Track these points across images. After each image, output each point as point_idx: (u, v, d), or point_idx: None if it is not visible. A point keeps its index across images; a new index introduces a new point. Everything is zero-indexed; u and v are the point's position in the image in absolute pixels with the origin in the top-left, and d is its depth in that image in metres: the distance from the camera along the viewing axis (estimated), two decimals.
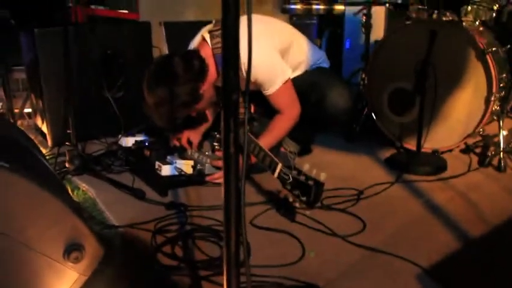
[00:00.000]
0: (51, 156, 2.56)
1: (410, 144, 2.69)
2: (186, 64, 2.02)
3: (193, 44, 2.27)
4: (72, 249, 1.28)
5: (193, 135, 2.43)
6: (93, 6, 2.63)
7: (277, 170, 1.83)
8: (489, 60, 2.41)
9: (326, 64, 2.50)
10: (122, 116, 2.68)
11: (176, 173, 2.20)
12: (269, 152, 1.97)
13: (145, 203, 2.06)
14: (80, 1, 2.57)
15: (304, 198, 1.70)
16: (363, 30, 3.22)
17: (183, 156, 2.32)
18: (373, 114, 2.82)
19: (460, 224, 1.89)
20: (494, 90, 2.42)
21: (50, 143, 2.79)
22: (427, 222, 1.93)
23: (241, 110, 2.20)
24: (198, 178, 2.20)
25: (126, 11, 2.79)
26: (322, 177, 1.68)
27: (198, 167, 2.25)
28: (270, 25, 2.32)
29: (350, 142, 2.98)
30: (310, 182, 1.68)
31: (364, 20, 3.22)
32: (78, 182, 2.25)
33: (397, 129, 2.77)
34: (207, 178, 2.19)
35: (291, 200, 1.78)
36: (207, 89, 2.09)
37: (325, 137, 2.85)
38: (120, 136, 2.58)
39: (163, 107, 2.00)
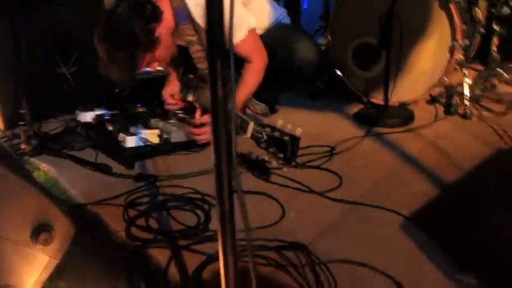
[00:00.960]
0: (5, 140, 2.40)
1: (377, 98, 2.67)
2: (135, 6, 1.91)
3: None
4: (41, 231, 1.18)
5: (171, 89, 2.33)
6: None
7: (250, 129, 1.76)
8: (452, 9, 2.39)
9: (287, 20, 2.42)
10: (78, 91, 2.52)
11: (142, 144, 2.09)
12: (239, 112, 1.90)
13: (112, 178, 1.95)
14: None
15: (281, 155, 1.64)
16: None
17: (148, 126, 2.21)
18: (338, 70, 2.78)
19: (434, 171, 1.89)
20: (458, 38, 2.41)
21: (1, 125, 2.61)
22: (402, 172, 1.92)
23: (203, 65, 2.12)
24: (164, 147, 2.11)
25: None
26: (298, 131, 1.62)
27: (164, 135, 2.15)
28: None
29: (314, 100, 2.94)
30: (286, 138, 1.62)
31: None
32: (37, 162, 2.11)
33: (363, 84, 2.75)
34: (192, 130, 2.10)
35: (266, 158, 1.72)
36: (164, 33, 1.98)
37: (289, 96, 2.79)
38: (77, 111, 2.43)
39: (119, 53, 1.87)
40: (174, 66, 2.35)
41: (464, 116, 2.45)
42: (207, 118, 2.10)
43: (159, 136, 2.14)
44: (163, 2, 2.03)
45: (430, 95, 2.69)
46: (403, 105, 2.59)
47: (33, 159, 2.15)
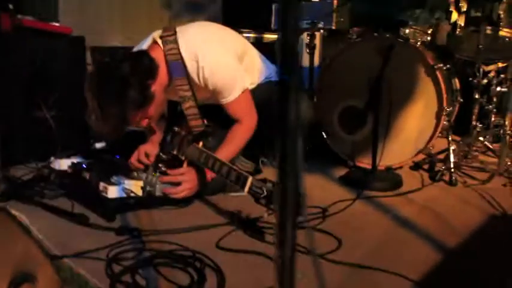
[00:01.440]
0: None
1: (363, 163, 2.64)
2: (134, 60, 1.84)
3: (142, 47, 2.07)
4: (22, 281, 1.01)
5: (150, 148, 2.19)
6: (19, 16, 2.32)
7: (248, 184, 1.66)
8: (439, 75, 2.44)
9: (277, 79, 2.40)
10: (53, 137, 2.37)
11: (124, 195, 1.94)
12: (233, 166, 1.80)
13: (90, 230, 1.78)
14: (5, 8, 2.26)
15: None
16: (307, 51, 3.20)
17: (131, 177, 2.06)
18: (323, 133, 2.75)
19: (432, 235, 1.83)
20: (444, 104, 2.45)
21: None
22: (401, 235, 1.85)
23: (196, 123, 2.04)
24: (148, 200, 1.96)
25: (57, 24, 2.52)
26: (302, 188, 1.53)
27: (148, 188, 2.01)
28: (225, 31, 2.20)
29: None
30: None
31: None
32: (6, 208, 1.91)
33: (349, 148, 2.72)
34: (166, 190, 1.97)
35: (265, 215, 1.61)
36: (158, 90, 1.89)
37: (272, 158, 2.73)
38: (52, 158, 2.26)
39: (110, 108, 1.76)
40: (159, 124, 2.25)
41: (450, 183, 2.44)
42: (180, 173, 2.01)
43: (142, 188, 2.00)
44: (158, 54, 1.97)
45: (413, 161, 2.69)
46: (390, 170, 2.57)
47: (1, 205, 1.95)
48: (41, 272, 1.04)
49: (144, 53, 1.92)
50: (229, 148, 2.05)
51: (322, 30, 3.84)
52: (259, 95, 2.15)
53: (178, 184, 1.99)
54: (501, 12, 2.44)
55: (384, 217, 2.03)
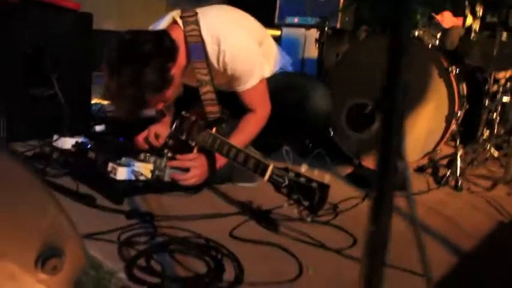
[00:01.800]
0: None
1: (368, 162, 2.62)
2: (156, 40, 1.76)
3: (160, 26, 1.99)
4: (50, 255, 0.94)
5: (161, 129, 2.12)
6: None
7: (269, 172, 1.60)
8: (452, 79, 2.43)
9: (291, 69, 2.35)
10: (56, 115, 2.28)
11: (133, 178, 1.87)
12: (250, 153, 1.74)
13: (97, 211, 1.70)
14: None
15: (306, 203, 1.49)
16: (317, 46, 3.18)
17: (140, 159, 1.99)
18: (330, 130, 2.71)
19: (445, 237, 1.81)
20: (456, 108, 2.43)
21: None
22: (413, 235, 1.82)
23: (213, 109, 1.98)
24: (157, 185, 1.90)
25: None
26: (326, 179, 1.49)
27: (156, 172, 1.94)
28: (246, 16, 2.13)
29: (303, 158, 2.84)
30: (314, 185, 1.48)
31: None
32: None
33: (355, 146, 2.69)
34: (174, 176, 1.91)
35: (285, 205, 1.56)
36: (177, 73, 1.83)
37: (276, 154, 2.67)
38: (55, 136, 2.17)
39: (128, 90, 1.68)
40: (169, 108, 2.19)
41: (455, 188, 2.43)
42: (189, 159, 1.95)
43: (151, 172, 1.93)
44: (178, 35, 1.90)
45: (417, 165, 2.68)
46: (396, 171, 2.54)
47: None
48: (69, 246, 0.96)
49: (166, 34, 1.85)
50: (241, 137, 1.98)
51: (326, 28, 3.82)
52: (275, 84, 2.09)
53: (186, 170, 1.93)
54: None
55: (395, 217, 1.99)
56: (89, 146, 2.08)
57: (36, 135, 2.32)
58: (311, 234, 1.69)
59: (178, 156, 1.97)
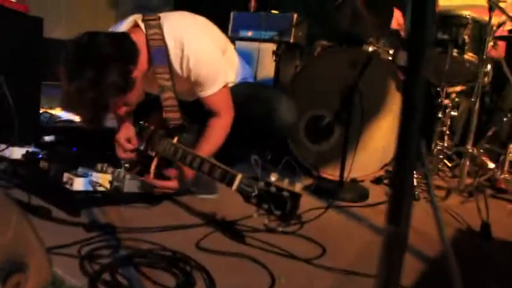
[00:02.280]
0: None
1: (327, 173, 2.63)
2: (116, 42, 1.69)
3: (120, 28, 1.91)
4: (13, 271, 0.85)
5: (126, 133, 2.03)
6: None
7: (237, 182, 1.56)
8: None
9: (252, 81, 2.33)
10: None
11: (91, 188, 1.77)
12: (216, 162, 1.69)
13: (53, 224, 1.59)
14: None
15: (278, 212, 1.45)
16: (274, 58, 3.19)
17: (97, 169, 1.88)
18: (288, 141, 2.71)
19: (411, 244, 1.83)
20: None
21: None
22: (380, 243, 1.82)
23: (174, 115, 1.92)
24: (116, 196, 1.80)
25: (13, 0, 2.28)
26: (297, 188, 1.46)
27: (115, 183, 1.85)
28: (209, 24, 2.09)
29: (263, 170, 2.80)
30: (285, 194, 1.45)
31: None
32: None
33: (313, 158, 2.70)
34: (157, 183, 1.84)
35: (254, 215, 1.51)
36: (138, 76, 1.75)
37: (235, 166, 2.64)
38: (3, 146, 2.02)
39: (89, 93, 1.59)
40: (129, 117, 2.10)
41: (413, 198, 2.48)
42: (173, 172, 1.88)
43: (110, 182, 1.83)
44: (140, 38, 1.83)
45: (374, 176, 2.72)
46: (355, 182, 2.57)
47: None
48: (34, 260, 0.88)
49: (126, 36, 1.78)
50: (209, 145, 1.93)
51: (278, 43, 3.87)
52: (239, 94, 2.05)
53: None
54: (466, 37, 2.55)
55: (360, 226, 2.02)
56: (40, 156, 1.95)
57: None
58: (278, 245, 1.66)
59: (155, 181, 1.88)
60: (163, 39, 1.84)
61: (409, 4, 0.62)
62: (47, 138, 2.50)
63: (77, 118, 3.06)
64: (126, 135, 2.02)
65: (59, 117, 3.11)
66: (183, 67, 1.86)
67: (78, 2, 5.96)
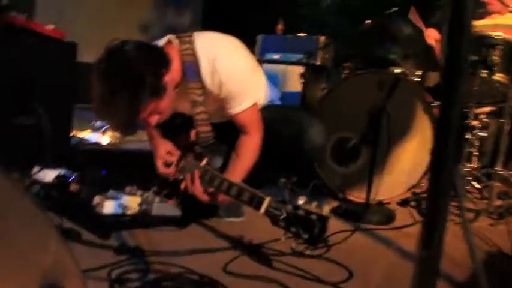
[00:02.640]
0: None
1: (353, 196, 2.61)
2: (146, 47, 1.73)
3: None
4: None
5: (166, 147, 2.03)
6: (13, 13, 2.17)
7: (265, 205, 1.56)
8: (436, 113, 2.47)
9: (279, 103, 2.35)
10: (36, 145, 2.20)
11: (120, 211, 1.80)
12: (244, 185, 1.70)
13: (83, 247, 1.62)
14: None
15: (306, 235, 1.45)
16: (301, 80, 3.23)
17: (127, 192, 1.92)
18: (315, 164, 2.71)
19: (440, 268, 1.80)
20: None
21: None
22: (409, 267, 1.79)
23: (205, 128, 1.93)
24: (145, 219, 1.83)
25: (51, 27, 2.38)
26: (325, 211, 1.46)
27: (143, 206, 1.88)
28: (241, 44, 2.11)
29: (290, 193, 2.81)
30: (313, 217, 1.45)
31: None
32: None
33: (339, 180, 2.69)
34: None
35: (282, 239, 1.52)
36: (170, 83, 1.76)
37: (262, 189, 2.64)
38: (36, 168, 2.09)
39: (122, 94, 1.61)
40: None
41: None
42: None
43: (139, 205, 1.86)
44: (174, 52, 1.85)
45: (401, 198, 2.69)
46: (381, 204, 2.54)
47: None
48: (71, 283, 0.90)
49: (157, 46, 1.82)
50: (242, 165, 1.92)
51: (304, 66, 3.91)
52: (269, 116, 2.05)
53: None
54: (496, 58, 2.52)
55: (387, 250, 1.99)
56: (71, 179, 2.00)
57: (15, 165, 2.22)
58: (305, 268, 1.65)
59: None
60: (194, 54, 1.87)
61: (445, 25, 0.63)
62: (78, 161, 2.56)
63: (105, 139, 3.15)
64: (166, 149, 2.02)
65: (88, 140, 3.20)
66: (215, 83, 1.88)
67: (110, 27, 6.14)
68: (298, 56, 3.98)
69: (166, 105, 1.76)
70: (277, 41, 4.34)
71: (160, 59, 1.75)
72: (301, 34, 4.36)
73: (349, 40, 4.69)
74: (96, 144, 2.97)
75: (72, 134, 2.98)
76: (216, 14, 6.21)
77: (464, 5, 0.60)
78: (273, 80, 4.25)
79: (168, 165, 2.00)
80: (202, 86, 1.88)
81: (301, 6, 5.55)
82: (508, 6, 2.70)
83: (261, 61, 4.45)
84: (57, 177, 2.03)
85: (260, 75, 2.16)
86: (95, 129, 3.52)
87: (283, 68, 4.13)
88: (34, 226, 0.85)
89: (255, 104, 1.96)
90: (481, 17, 3.29)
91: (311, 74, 3.81)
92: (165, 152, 2.01)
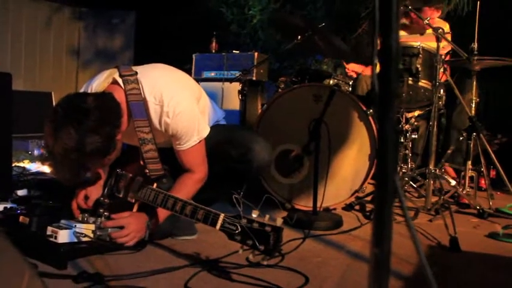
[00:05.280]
0: None
1: (300, 205, 2.72)
2: (103, 105, 1.73)
3: (97, 85, 1.97)
4: None
5: (90, 190, 2.03)
6: None
7: (220, 221, 1.62)
8: (371, 120, 2.63)
9: (224, 122, 2.42)
10: None
11: (75, 239, 1.79)
12: (198, 204, 1.75)
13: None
14: None
15: (262, 247, 1.52)
16: (240, 97, 3.30)
17: (81, 220, 1.91)
18: (261, 177, 2.79)
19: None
20: (377, 148, 2.63)
21: None
22: (360, 268, 1.91)
23: (155, 166, 1.96)
24: (101, 245, 1.83)
25: None
26: (278, 222, 1.54)
27: (98, 232, 1.87)
28: (183, 74, 2.17)
29: (234, 207, 2.87)
30: (268, 228, 1.53)
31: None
32: None
33: (286, 191, 2.79)
34: (113, 234, 1.85)
35: (240, 252, 1.58)
36: (120, 138, 1.80)
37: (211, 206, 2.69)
38: None
39: (71, 155, 1.63)
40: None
41: None
42: (124, 217, 1.91)
43: (93, 232, 1.86)
44: (120, 94, 1.88)
45: (345, 203, 2.83)
46: (328, 211, 2.66)
47: None
48: None
49: (112, 98, 1.81)
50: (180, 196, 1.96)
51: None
52: (214, 137, 2.11)
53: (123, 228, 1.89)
54: (419, 66, 2.73)
55: (339, 253, 2.09)
56: (19, 211, 1.96)
57: None
58: (263, 278, 1.71)
59: (113, 215, 1.92)
60: (141, 94, 1.90)
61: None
62: (20, 193, 2.50)
63: (48, 170, 3.07)
64: (88, 192, 2.03)
65: (29, 169, 3.11)
66: (162, 122, 1.92)
67: (40, 53, 5.98)
68: (234, 73, 4.09)
69: (113, 157, 1.81)
70: (213, 59, 4.43)
71: (116, 118, 1.77)
72: (235, 51, 4.48)
73: (281, 54, 4.87)
74: (39, 173, 2.90)
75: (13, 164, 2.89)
76: (150, 36, 6.21)
77: (391, 31, 0.70)
78: (211, 97, 4.33)
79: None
80: (150, 125, 1.92)
81: (232, 23, 5.68)
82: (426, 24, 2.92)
83: (197, 80, 4.51)
84: (4, 210, 1.98)
85: (204, 101, 2.22)
86: (34, 159, 3.43)
87: (221, 86, 4.21)
88: (8, 258, 0.86)
89: (200, 142, 2.03)
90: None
91: (249, 90, 3.92)
92: (83, 195, 2.03)
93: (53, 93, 4.52)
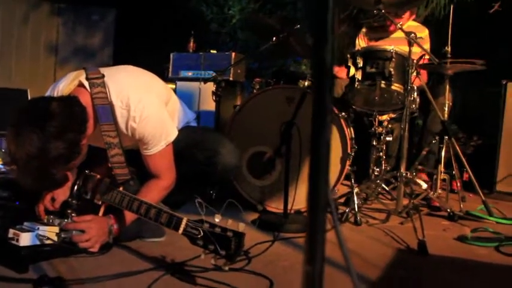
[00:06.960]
0: None
1: (271, 207, 2.72)
2: (68, 110, 1.70)
3: (63, 88, 1.94)
4: None
5: (57, 193, 1.99)
6: None
7: (183, 225, 1.62)
8: (343, 123, 2.65)
9: (195, 124, 2.41)
10: None
11: (38, 242, 1.76)
12: (162, 207, 1.75)
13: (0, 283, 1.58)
14: None
15: (223, 252, 1.52)
16: (214, 98, 3.29)
17: (45, 223, 1.88)
18: (233, 179, 2.79)
19: (355, 269, 1.93)
20: (349, 150, 2.65)
21: None
22: (327, 271, 1.89)
23: (122, 171, 1.95)
24: (65, 248, 1.81)
25: None
26: (241, 227, 1.54)
27: (62, 235, 1.85)
28: (152, 77, 2.14)
29: (207, 208, 2.86)
30: (229, 233, 1.53)
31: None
32: None
33: (257, 192, 2.79)
34: (74, 238, 1.83)
35: (202, 257, 1.58)
36: (85, 143, 1.78)
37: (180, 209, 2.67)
38: None
39: (34, 161, 1.60)
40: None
41: (355, 223, 2.62)
42: (86, 220, 1.88)
43: (57, 234, 1.83)
44: (86, 98, 1.84)
45: None
46: (299, 213, 2.67)
47: None
48: None
49: (77, 102, 1.77)
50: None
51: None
52: (183, 140, 2.10)
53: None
54: (391, 69, 2.75)
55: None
56: None
57: None
58: (228, 282, 1.71)
59: (75, 218, 1.90)
60: (108, 98, 1.87)
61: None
62: None
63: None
64: (55, 195, 2.00)
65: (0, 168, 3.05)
66: (128, 127, 1.90)
67: (17, 50, 5.90)
68: (211, 73, 4.07)
69: (78, 162, 1.79)
70: (190, 59, 4.42)
71: (81, 123, 1.74)
72: (213, 51, 4.47)
73: (260, 55, 4.88)
74: (5, 172, 2.84)
75: None
76: (129, 33, 6.16)
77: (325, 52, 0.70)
78: (188, 99, 4.31)
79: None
80: (116, 129, 1.90)
81: (210, 22, 5.67)
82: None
83: (175, 79, 4.50)
84: None
85: (174, 104, 2.21)
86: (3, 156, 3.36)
87: (198, 87, 4.20)
88: None
89: (167, 146, 2.01)
90: (381, 38, 3.62)
91: (224, 91, 3.91)
92: (50, 197, 2.00)
93: (28, 90, 4.46)
